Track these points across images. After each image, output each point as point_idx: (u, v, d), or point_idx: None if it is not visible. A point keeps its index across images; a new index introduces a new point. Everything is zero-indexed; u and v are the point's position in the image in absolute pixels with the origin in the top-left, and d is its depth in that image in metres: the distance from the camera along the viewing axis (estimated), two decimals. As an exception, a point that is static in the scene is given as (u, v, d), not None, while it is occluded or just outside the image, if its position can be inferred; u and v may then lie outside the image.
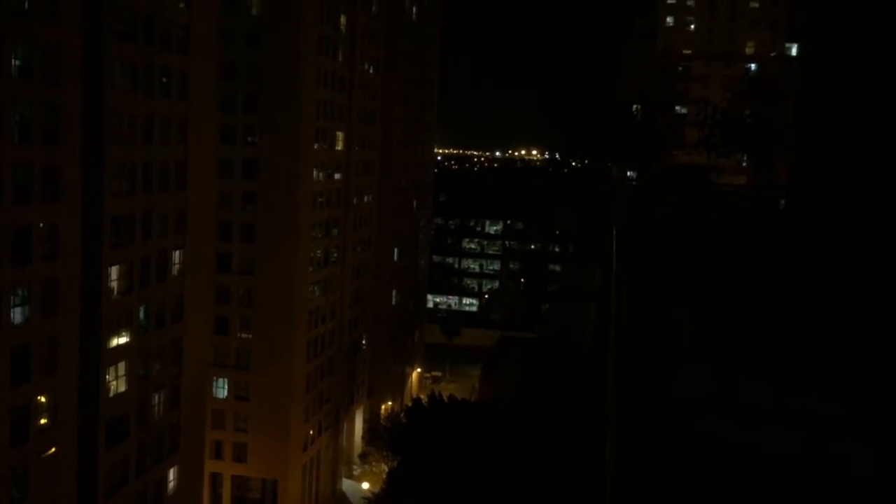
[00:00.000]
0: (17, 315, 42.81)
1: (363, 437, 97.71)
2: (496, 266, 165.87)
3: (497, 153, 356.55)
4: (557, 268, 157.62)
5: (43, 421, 45.19)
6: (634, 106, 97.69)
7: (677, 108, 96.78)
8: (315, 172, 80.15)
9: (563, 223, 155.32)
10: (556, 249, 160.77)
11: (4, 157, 41.08)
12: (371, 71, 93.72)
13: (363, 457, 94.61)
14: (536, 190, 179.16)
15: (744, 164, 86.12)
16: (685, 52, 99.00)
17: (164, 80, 54.50)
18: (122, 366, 51.77)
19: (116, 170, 50.16)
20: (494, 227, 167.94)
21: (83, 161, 46.99)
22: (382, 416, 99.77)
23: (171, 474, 58.30)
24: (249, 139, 76.45)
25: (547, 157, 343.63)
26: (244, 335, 77.09)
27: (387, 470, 76.85)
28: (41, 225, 43.92)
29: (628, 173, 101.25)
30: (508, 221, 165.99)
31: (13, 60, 41.77)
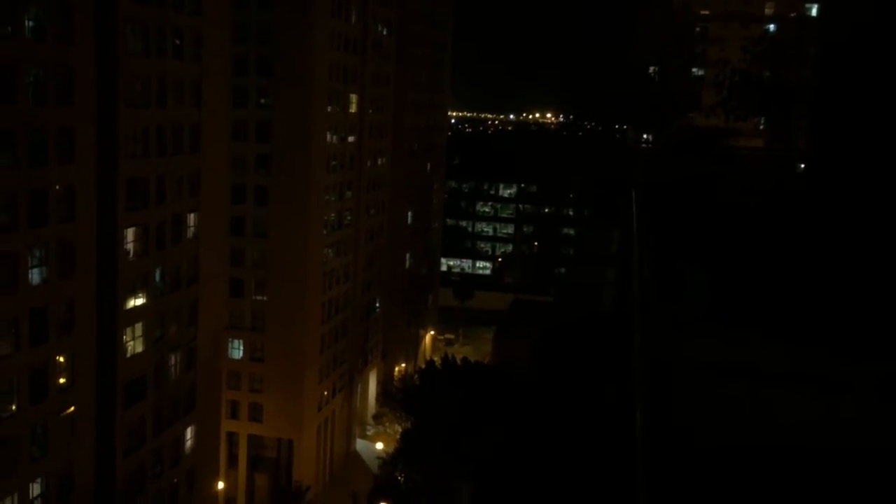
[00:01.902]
0: (34, 276, 43.16)
1: (377, 399, 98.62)
2: (510, 229, 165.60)
3: (511, 116, 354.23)
4: (571, 231, 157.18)
5: (61, 380, 45.79)
6: (650, 68, 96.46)
7: (694, 70, 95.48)
8: (328, 135, 79.87)
9: (578, 186, 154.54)
10: (571, 213, 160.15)
11: (19, 119, 41.10)
12: (384, 33, 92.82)
13: (377, 417, 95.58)
14: (551, 153, 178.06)
15: (761, 127, 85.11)
16: (702, 12, 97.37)
17: (177, 41, 54.16)
18: (138, 327, 52.23)
19: (130, 132, 50.11)
20: (508, 191, 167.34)
21: (97, 123, 46.97)
22: (396, 378, 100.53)
23: (188, 433, 59.09)
24: (262, 101, 76.14)
25: (562, 120, 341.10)
26: (259, 297, 77.54)
27: (400, 431, 77.63)
28: (57, 187, 44.06)
29: (644, 136, 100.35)
30: (522, 185, 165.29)
31: (26, 21, 41.59)
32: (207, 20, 57.07)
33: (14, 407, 42.43)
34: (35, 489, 44.34)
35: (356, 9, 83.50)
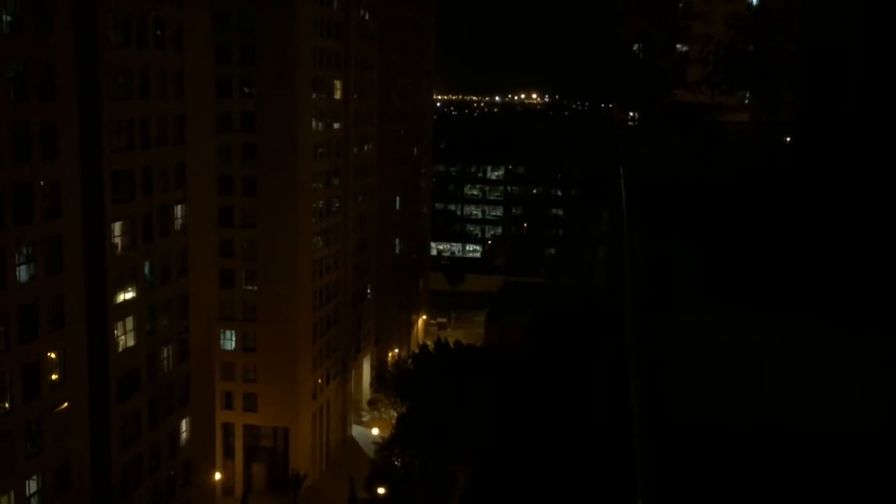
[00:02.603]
0: (22, 273, 42.90)
1: (371, 384, 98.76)
2: (498, 212, 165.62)
3: (497, 98, 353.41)
4: (560, 212, 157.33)
5: (54, 377, 45.63)
6: (635, 45, 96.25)
7: (678, 46, 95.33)
8: (314, 122, 79.47)
9: (566, 166, 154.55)
10: (559, 193, 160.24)
11: (1, 115, 40.69)
12: (367, 17, 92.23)
13: (372, 403, 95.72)
14: (537, 134, 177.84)
15: (746, 101, 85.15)
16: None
17: (159, 32, 53.67)
18: (129, 321, 52.07)
19: (114, 125, 49.73)
20: (496, 173, 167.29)
21: (80, 117, 46.56)
22: (389, 363, 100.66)
23: (184, 425, 59.08)
24: (246, 91, 75.62)
25: (547, 100, 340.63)
26: (249, 287, 77.35)
27: (395, 416, 77.85)
28: (41, 183, 43.72)
29: (630, 114, 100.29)
30: (510, 166, 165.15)
31: (3, 15, 41.09)
32: (188, 10, 56.54)
33: (7, 404, 42.28)
34: (32, 486, 44.28)
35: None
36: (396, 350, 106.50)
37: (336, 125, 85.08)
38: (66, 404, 46.48)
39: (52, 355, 45.46)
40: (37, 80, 43.04)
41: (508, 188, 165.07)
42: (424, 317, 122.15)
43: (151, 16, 52.43)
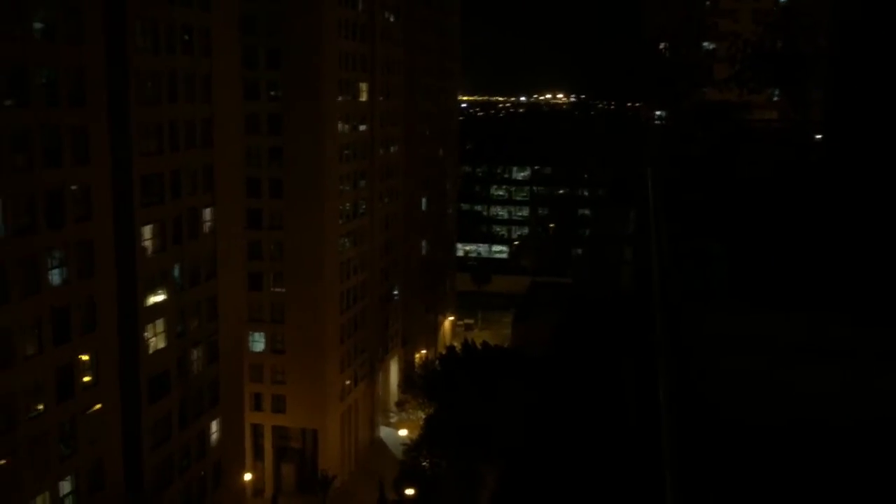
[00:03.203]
0: (55, 277, 43.51)
1: (399, 386, 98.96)
2: (525, 212, 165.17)
3: (522, 98, 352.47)
4: (587, 212, 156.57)
5: (86, 378, 46.22)
6: (661, 44, 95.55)
7: (705, 44, 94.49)
8: (340, 124, 79.81)
9: (592, 166, 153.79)
10: (586, 193, 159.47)
11: (33, 121, 41.33)
12: (392, 20, 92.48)
13: (399, 405, 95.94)
14: (563, 134, 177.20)
15: (774, 98, 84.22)
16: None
17: (187, 37, 54.22)
18: (160, 323, 52.62)
19: (143, 129, 50.30)
20: (522, 173, 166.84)
21: (110, 122, 47.15)
22: (417, 365, 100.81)
23: (213, 426, 59.59)
24: (273, 94, 76.14)
25: (573, 99, 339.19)
26: (278, 289, 77.84)
27: (423, 417, 77.91)
28: (73, 187, 44.32)
29: (657, 113, 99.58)
30: (536, 167, 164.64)
31: (36, 23, 41.73)
32: (216, 15, 57.08)
33: (41, 406, 42.90)
34: (66, 486, 44.89)
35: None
36: (424, 351, 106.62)
37: (362, 127, 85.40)
38: (98, 406, 47.06)
39: (85, 357, 46.05)
40: (68, 86, 43.65)
41: (535, 188, 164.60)
42: (451, 318, 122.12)
43: (180, 21, 52.98)
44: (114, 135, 47.62)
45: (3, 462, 40.26)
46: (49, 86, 42.59)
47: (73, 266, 44.49)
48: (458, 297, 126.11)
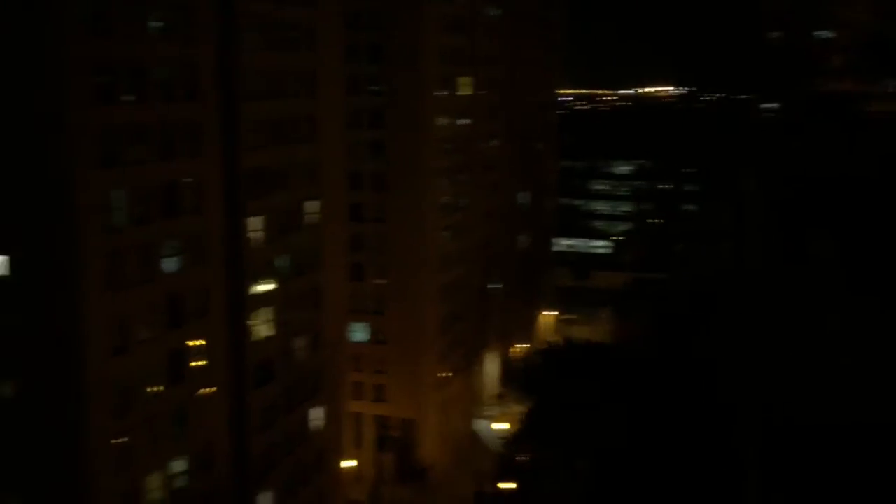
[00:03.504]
0: (169, 265, 45.57)
1: (497, 379, 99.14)
2: (626, 207, 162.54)
3: (626, 91, 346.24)
4: (691, 207, 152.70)
5: (197, 363, 48.25)
6: (773, 33, 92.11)
7: (820, 33, 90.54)
8: (440, 118, 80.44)
9: (698, 160, 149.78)
10: (690, 188, 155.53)
11: (151, 116, 43.39)
12: (493, 13, 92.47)
13: (497, 398, 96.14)
14: (668, 127, 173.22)
15: (890, 89, 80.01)
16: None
17: (293, 34, 55.76)
18: (265, 312, 54.39)
19: (251, 124, 52.02)
20: (624, 168, 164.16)
21: (220, 117, 49.00)
22: (515, 359, 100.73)
23: (316, 414, 61.18)
24: (375, 88, 77.41)
25: (679, 92, 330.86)
26: (378, 281, 79.21)
27: (520, 411, 77.86)
28: (186, 179, 46.30)
29: (767, 105, 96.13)
30: (639, 161, 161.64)
31: (155, 22, 43.74)
32: (320, 12, 58.46)
33: (156, 388, 45.04)
34: (177, 466, 47.01)
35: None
36: (522, 345, 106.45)
37: (462, 121, 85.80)
38: (208, 389, 49.06)
39: (196, 343, 48.08)
40: (182, 82, 45.62)
41: (637, 183, 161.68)
42: (550, 312, 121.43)
43: (286, 19, 54.54)
44: (224, 129, 49.48)
45: (121, 440, 42.48)
46: (165, 82, 44.58)
47: (186, 254, 46.49)
48: (557, 291, 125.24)
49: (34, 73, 38.11)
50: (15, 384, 40.75)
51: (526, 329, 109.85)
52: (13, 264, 39.75)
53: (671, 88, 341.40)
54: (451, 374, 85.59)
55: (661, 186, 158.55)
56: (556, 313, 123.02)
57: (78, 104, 38.67)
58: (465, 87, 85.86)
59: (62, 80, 38.10)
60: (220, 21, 48.43)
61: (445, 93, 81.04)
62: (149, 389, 44.53)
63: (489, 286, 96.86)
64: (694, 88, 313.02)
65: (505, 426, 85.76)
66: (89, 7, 38.94)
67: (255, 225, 52.89)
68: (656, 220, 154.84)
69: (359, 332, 79.81)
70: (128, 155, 42.04)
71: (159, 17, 44.05)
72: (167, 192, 44.93)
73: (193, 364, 47.86)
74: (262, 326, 54.21)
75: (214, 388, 49.59)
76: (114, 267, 41.30)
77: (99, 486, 41.25)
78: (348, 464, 71.69)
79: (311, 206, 59.25)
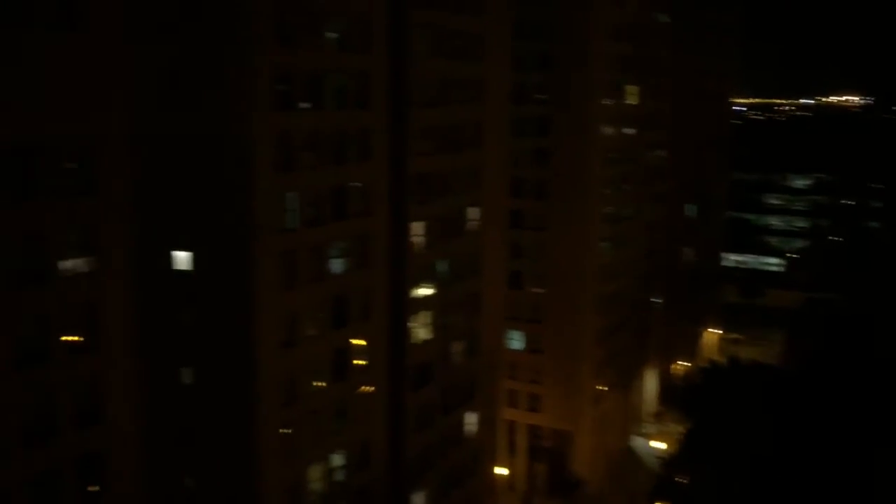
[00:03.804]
0: (337, 266, 47.35)
1: (656, 396, 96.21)
2: (802, 223, 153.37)
3: (806, 100, 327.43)
4: (875, 225, 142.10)
5: (359, 362, 49.83)
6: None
7: None
8: (606, 127, 79.15)
9: (885, 175, 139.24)
10: (876, 205, 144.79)
11: (325, 123, 45.31)
12: (664, 19, 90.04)
13: (655, 416, 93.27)
14: (852, 139, 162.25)
15: None
16: None
17: (462, 43, 56.62)
18: (424, 315, 55.42)
19: (418, 131, 53.24)
20: (801, 182, 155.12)
21: (390, 124, 50.45)
22: (676, 376, 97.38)
23: (470, 419, 61.65)
24: (540, 97, 77.24)
25: (865, 101, 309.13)
26: (537, 289, 78.87)
27: (679, 431, 75.08)
28: (355, 184, 47.99)
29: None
30: (818, 175, 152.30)
31: (331, 34, 45.68)
32: (488, 20, 59.04)
33: (321, 383, 46.89)
34: (336, 460, 48.71)
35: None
36: (683, 363, 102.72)
37: (628, 130, 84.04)
38: (368, 387, 50.53)
39: (359, 342, 49.67)
40: (355, 90, 47.37)
41: (815, 198, 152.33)
42: (715, 330, 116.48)
43: (455, 28, 55.47)
44: (392, 135, 50.91)
45: (286, 431, 44.53)
46: (339, 91, 46.43)
47: (352, 256, 48.16)
48: (724, 309, 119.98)
49: (224, 80, 40.71)
50: (195, 372, 43.66)
51: (688, 346, 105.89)
52: (196, 260, 42.62)
53: (856, 97, 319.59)
54: (607, 388, 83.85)
55: (842, 202, 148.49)
56: (722, 331, 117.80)
57: (260, 111, 40.98)
58: (632, 95, 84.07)
59: (248, 87, 40.49)
60: (392, 31, 49.92)
61: (612, 101, 79.66)
62: (313, 384, 46.41)
63: (651, 300, 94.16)
64: (882, 97, 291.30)
65: (663, 445, 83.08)
66: (275, 19, 41.19)
67: (417, 229, 54.05)
68: (835, 238, 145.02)
69: (515, 340, 79.73)
70: (302, 159, 44.08)
71: (336, 29, 45.95)
72: (337, 195, 46.72)
73: (355, 363, 49.45)
74: (421, 329, 55.27)
75: (374, 388, 51.01)
76: (286, 266, 43.39)
77: (266, 472, 43.40)
78: (501, 471, 71.69)
79: (473, 213, 59.85)
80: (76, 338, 32.83)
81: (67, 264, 32.17)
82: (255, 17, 40.07)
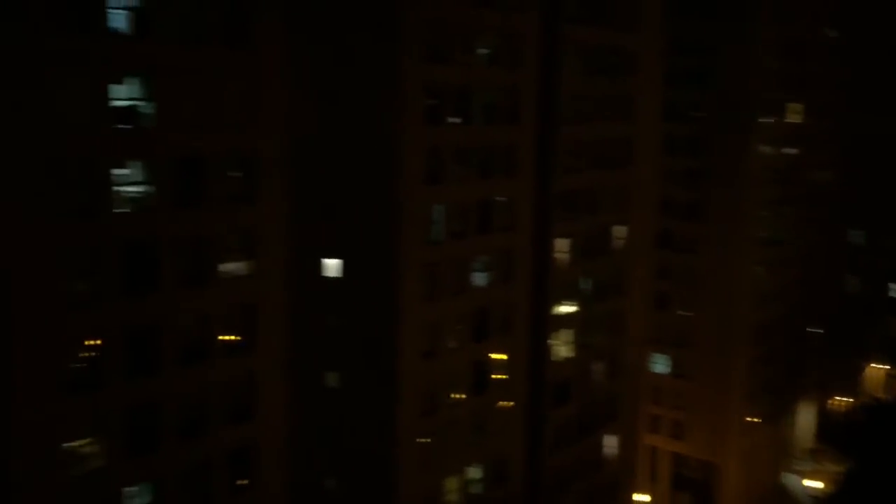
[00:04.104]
0: (479, 279, 47.69)
1: (812, 432, 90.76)
2: None
3: None
4: None
5: (497, 376, 49.86)
6: None
7: None
8: (765, 146, 75.78)
9: None
10: None
11: (473, 138, 45.84)
12: (833, 34, 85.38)
13: (810, 453, 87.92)
14: None
15: None
16: None
17: (613, 58, 55.91)
18: (565, 333, 54.80)
19: (566, 147, 52.93)
20: None
21: (536, 139, 50.45)
22: (834, 412, 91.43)
23: (610, 441, 60.30)
24: (693, 114, 74.98)
25: None
26: (683, 312, 76.33)
27: (837, 470, 70.29)
28: (500, 198, 48.23)
29: None
30: None
31: (482, 50, 46.29)
32: (642, 36, 58.04)
33: (460, 395, 47.24)
34: (473, 473, 48.85)
35: (802, 10, 78.09)
36: (843, 398, 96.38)
37: (790, 150, 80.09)
38: (508, 403, 50.45)
39: (498, 356, 49.73)
40: (504, 105, 47.70)
41: None
42: (880, 365, 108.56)
43: (608, 44, 54.87)
44: (538, 151, 50.86)
45: (425, 440, 45.14)
46: (487, 106, 46.91)
47: (494, 270, 48.36)
48: (890, 343, 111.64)
49: (377, 95, 42.07)
50: (340, 376, 45.09)
51: (849, 381, 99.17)
52: (345, 268, 44.11)
53: None
54: (758, 420, 79.78)
55: None
56: (888, 367, 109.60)
57: (410, 125, 42.03)
58: (795, 113, 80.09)
59: (400, 102, 41.63)
60: (543, 47, 49.99)
61: (773, 119, 76.18)
62: (452, 396, 46.83)
63: (808, 329, 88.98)
64: None
65: (819, 484, 78.05)
66: (428, 36, 42.19)
67: (561, 246, 53.64)
68: None
69: (659, 364, 77.40)
70: (449, 173, 44.77)
71: (487, 45, 46.50)
72: (482, 209, 47.12)
73: (494, 377, 49.51)
74: (561, 347, 54.71)
75: (512, 403, 50.88)
76: (430, 277, 44.14)
77: (404, 479, 44.12)
78: (641, 497, 69.62)
79: (619, 231, 58.77)
80: (234, 337, 34.66)
81: (229, 267, 34.07)
82: (408, 35, 41.20)
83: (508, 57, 47.59)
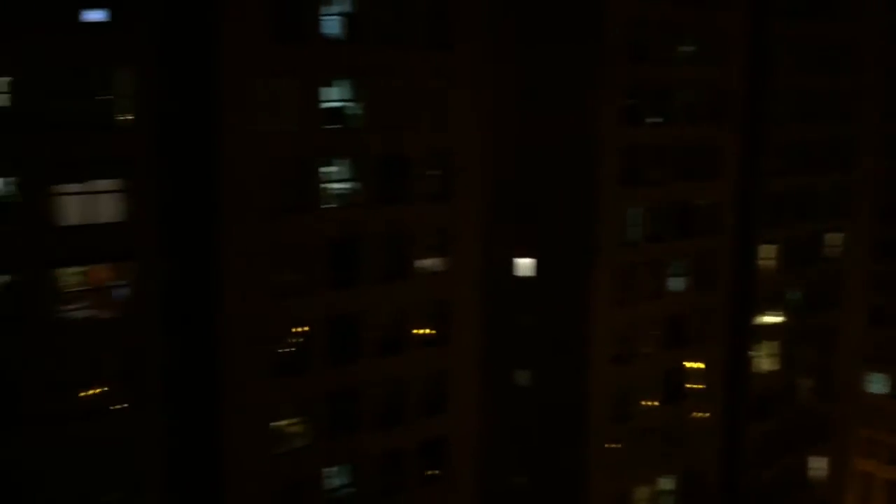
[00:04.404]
0: (676, 284, 46.15)
1: None
2: None
3: None
4: None
5: (692, 386, 48.00)
6: None
7: None
8: None
9: None
10: None
11: (671, 137, 44.47)
12: None
13: None
14: None
15: None
16: None
17: (829, 52, 52.24)
18: (769, 345, 51.82)
19: (775, 148, 50.07)
20: None
21: (742, 139, 48.10)
22: None
23: (816, 463, 56.36)
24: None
25: None
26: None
27: None
28: (700, 201, 46.42)
29: None
30: None
31: (683, 48, 44.79)
32: (861, 27, 53.78)
33: (652, 403, 45.98)
34: (665, 484, 47.34)
35: None
36: None
37: None
38: (703, 414, 48.47)
39: (693, 365, 47.89)
40: (706, 104, 45.90)
41: None
42: None
43: (823, 37, 51.33)
44: (744, 152, 48.48)
45: (615, 446, 44.34)
46: (688, 104, 45.31)
47: (692, 276, 46.62)
48: None
49: (576, 94, 41.87)
50: (531, 374, 45.27)
51: None
52: (538, 267, 44.23)
53: None
54: None
55: None
56: None
57: (609, 125, 41.46)
58: None
59: (599, 102, 41.18)
60: (751, 42, 47.64)
61: None
62: (644, 403, 45.67)
63: None
64: None
65: None
66: (629, 35, 41.45)
67: (767, 253, 50.82)
68: None
69: (877, 383, 71.21)
70: (647, 174, 43.70)
71: (690, 42, 44.95)
72: (680, 212, 45.61)
73: (688, 386, 47.74)
74: (764, 360, 51.82)
75: (708, 414, 48.82)
76: (624, 279, 43.31)
77: (593, 482, 43.57)
78: (851, 527, 64.43)
79: (833, 239, 54.79)
80: (428, 331, 35.76)
81: (424, 263, 35.20)
82: (610, 34, 40.66)
83: (713, 54, 45.74)
